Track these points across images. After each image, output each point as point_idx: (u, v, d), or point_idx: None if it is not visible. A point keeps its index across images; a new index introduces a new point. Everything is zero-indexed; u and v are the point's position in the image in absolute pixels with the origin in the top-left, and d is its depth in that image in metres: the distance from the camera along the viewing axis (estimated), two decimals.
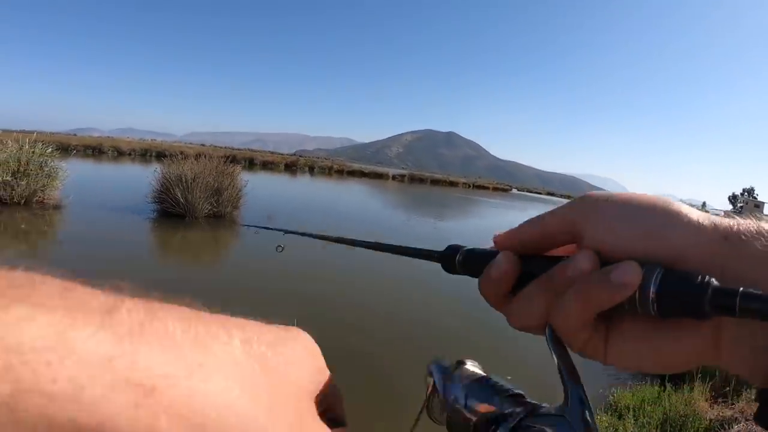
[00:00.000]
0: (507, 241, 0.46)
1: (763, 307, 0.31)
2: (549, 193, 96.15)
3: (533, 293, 0.42)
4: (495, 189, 70.77)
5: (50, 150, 12.15)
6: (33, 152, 11.48)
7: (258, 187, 16.05)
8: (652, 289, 0.35)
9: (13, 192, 11.02)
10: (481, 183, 74.89)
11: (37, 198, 11.46)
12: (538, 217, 0.45)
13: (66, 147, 24.18)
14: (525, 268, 0.43)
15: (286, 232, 1.04)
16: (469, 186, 67.30)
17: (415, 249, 0.56)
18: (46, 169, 11.82)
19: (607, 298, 0.37)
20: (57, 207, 11.69)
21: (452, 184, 65.68)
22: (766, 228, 0.36)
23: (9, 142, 11.54)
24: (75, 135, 50.41)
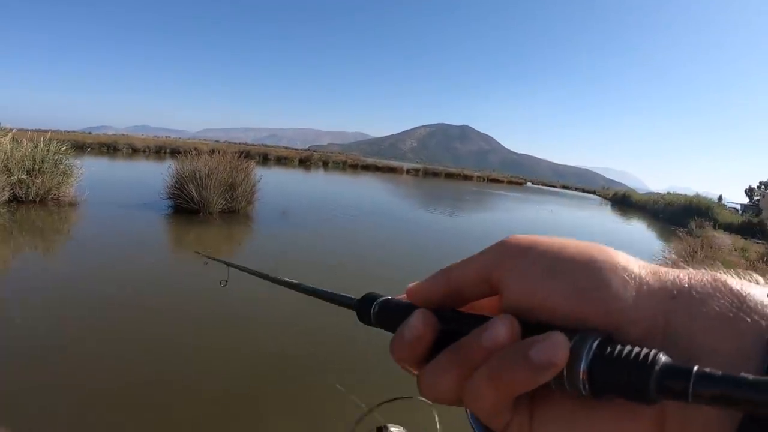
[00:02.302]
0: (421, 294, 0.40)
1: (722, 391, 0.25)
2: (564, 187, 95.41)
3: (444, 364, 0.35)
4: (510, 182, 70.23)
5: (65, 148, 12.20)
6: (48, 150, 11.53)
7: (272, 183, 16.02)
8: (582, 366, 0.29)
9: (29, 190, 11.09)
10: (496, 176, 74.49)
11: (52, 195, 11.52)
12: (450, 267, 0.40)
13: (81, 145, 24.36)
14: (445, 326, 0.38)
15: (229, 265, 1.00)
16: (484, 179, 67.07)
17: (332, 294, 0.52)
18: (61, 166, 11.89)
19: (525, 381, 0.31)
20: (72, 204, 11.74)
21: (466, 177, 65.44)
22: (723, 281, 0.31)
23: (24, 141, 11.62)
24: (89, 133, 50.42)
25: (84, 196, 12.09)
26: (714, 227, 19.94)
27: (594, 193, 77.00)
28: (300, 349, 5.07)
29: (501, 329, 0.32)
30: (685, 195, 35.88)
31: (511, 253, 0.37)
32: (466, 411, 0.37)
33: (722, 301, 0.30)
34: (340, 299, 0.50)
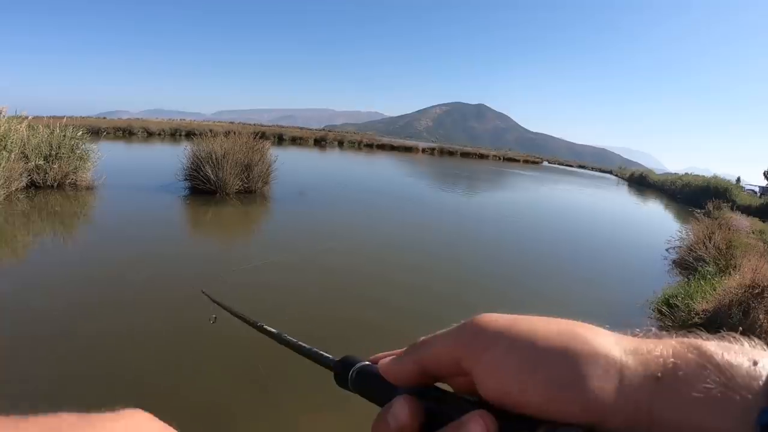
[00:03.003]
0: (394, 374, 0.40)
1: None
2: (581, 166, 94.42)
3: None
4: (526, 162, 69.60)
5: (81, 133, 12.22)
6: (64, 136, 11.56)
7: (288, 163, 15.98)
8: None
9: (46, 175, 11.16)
10: (512, 155, 73.84)
11: (69, 180, 11.58)
12: (419, 347, 0.39)
13: (96, 130, 24.39)
14: (427, 409, 0.37)
15: (214, 302, 0.95)
16: (500, 158, 66.57)
17: (311, 350, 0.53)
18: (78, 151, 11.92)
19: None
20: (90, 188, 11.80)
21: (482, 156, 65.00)
22: (709, 355, 0.30)
23: (40, 127, 11.67)
24: (104, 118, 50.66)
25: (101, 180, 12.15)
26: (732, 209, 19.68)
27: (611, 172, 76.17)
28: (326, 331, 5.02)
29: (476, 430, 0.32)
30: (703, 176, 35.51)
31: (481, 342, 0.35)
32: None
33: (708, 379, 0.29)
34: (319, 358, 0.50)
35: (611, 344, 0.32)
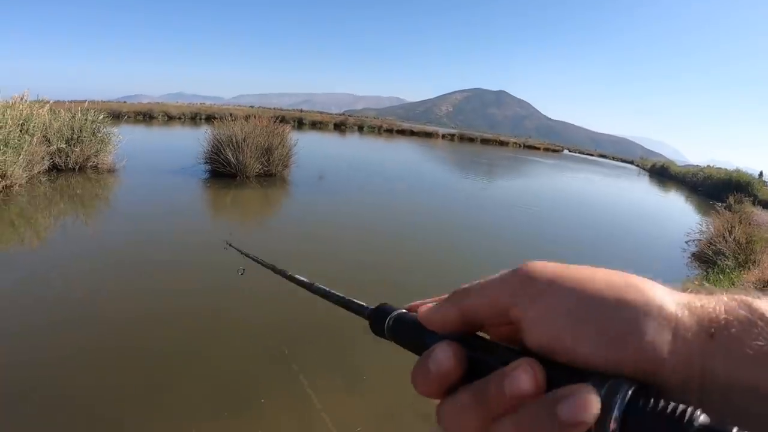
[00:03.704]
0: (434, 320, 0.38)
1: None
2: (601, 155, 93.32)
3: (465, 405, 0.33)
4: (546, 149, 68.75)
5: (102, 117, 12.27)
6: (85, 120, 11.62)
7: (308, 146, 15.96)
8: (612, 423, 0.27)
9: (68, 158, 11.23)
10: (532, 143, 72.97)
11: (91, 163, 11.65)
12: (463, 294, 0.38)
13: (117, 114, 24.57)
14: (470, 356, 0.35)
15: (244, 254, 0.93)
16: (520, 146, 65.91)
17: (344, 299, 0.51)
18: (99, 135, 11.98)
19: None
20: (111, 171, 11.87)
21: (502, 143, 64.34)
22: (760, 313, 0.29)
23: (62, 111, 11.75)
24: (125, 102, 51.05)
25: (122, 162, 12.21)
26: (753, 203, 19.38)
27: (632, 163, 75.12)
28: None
29: (524, 378, 0.30)
30: (725, 169, 34.71)
31: (530, 290, 0.34)
32: None
33: (760, 336, 0.28)
34: (353, 306, 0.49)
35: (666, 297, 0.31)
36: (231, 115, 13.91)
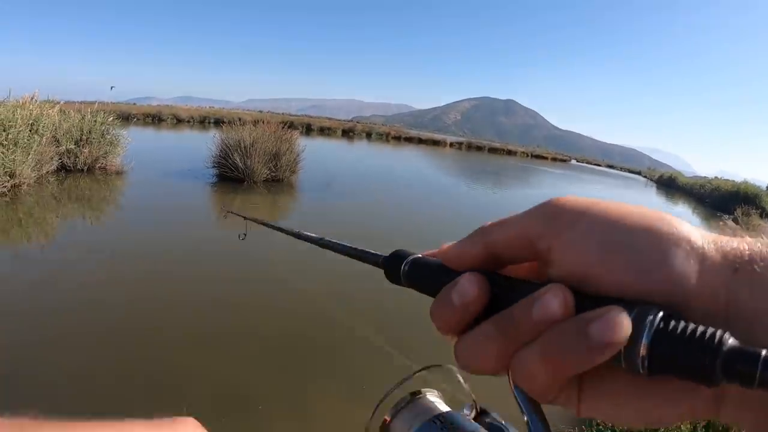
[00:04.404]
0: (458, 256, 0.37)
1: None
2: (609, 166, 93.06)
3: (489, 335, 0.32)
4: (554, 159, 68.60)
5: (111, 119, 12.33)
6: (95, 121, 11.68)
7: (316, 152, 15.98)
8: (642, 344, 0.27)
9: (77, 159, 11.29)
10: (540, 152, 72.82)
11: (99, 165, 11.68)
12: (489, 228, 0.37)
13: (126, 116, 24.63)
14: (494, 292, 0.34)
15: (247, 219, 0.98)
16: (528, 155, 65.81)
17: (357, 249, 0.51)
18: (108, 137, 12.04)
19: (582, 362, 0.28)
20: (119, 173, 11.90)
21: (510, 152, 64.30)
22: None
23: (72, 112, 11.81)
24: (135, 104, 51.36)
25: (130, 165, 12.25)
26: (761, 216, 19.25)
27: (640, 173, 74.92)
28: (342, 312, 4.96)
29: (553, 302, 0.30)
30: (733, 181, 34.53)
31: (561, 220, 0.33)
32: (509, 379, 0.33)
33: None
34: (367, 256, 0.48)
35: (693, 232, 0.31)
36: (240, 119, 13.92)
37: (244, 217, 0.93)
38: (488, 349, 0.32)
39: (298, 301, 5.28)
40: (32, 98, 10.69)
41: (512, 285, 0.34)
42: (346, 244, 0.53)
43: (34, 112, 9.99)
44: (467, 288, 0.34)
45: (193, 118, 42.65)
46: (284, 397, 3.54)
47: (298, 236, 0.65)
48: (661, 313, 0.28)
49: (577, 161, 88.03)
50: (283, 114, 54.23)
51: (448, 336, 0.36)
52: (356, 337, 4.58)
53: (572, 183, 31.45)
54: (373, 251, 0.47)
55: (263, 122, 13.52)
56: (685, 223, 0.32)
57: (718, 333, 0.26)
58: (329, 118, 72.06)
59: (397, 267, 0.42)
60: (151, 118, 38.79)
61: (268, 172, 12.63)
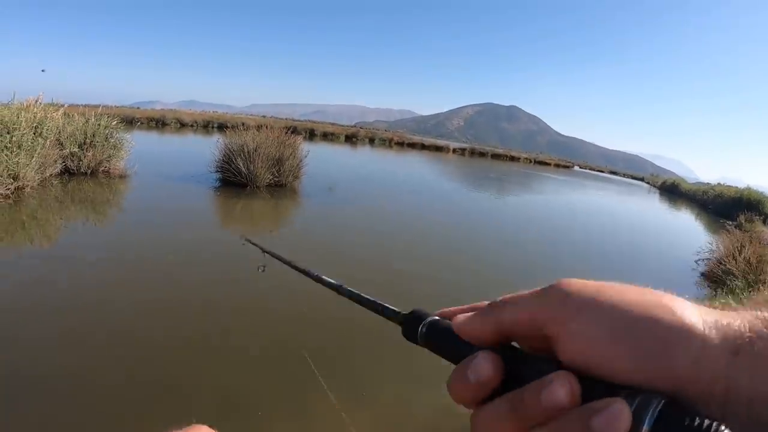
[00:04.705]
0: (470, 331, 0.40)
1: None
2: (612, 172, 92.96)
3: (501, 414, 0.35)
4: (557, 165, 68.52)
5: (115, 122, 12.38)
6: (99, 125, 11.72)
7: (319, 157, 15.99)
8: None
9: (81, 162, 11.34)
10: (543, 159, 72.79)
11: (103, 168, 11.73)
12: (500, 307, 0.40)
13: (130, 120, 24.73)
14: (507, 368, 0.37)
15: (266, 252, 0.97)
16: (531, 161, 65.81)
17: (377, 303, 0.52)
18: (112, 140, 12.10)
19: None
20: (122, 176, 11.93)
21: (513, 159, 64.32)
22: None
23: (75, 115, 11.88)
24: (138, 108, 51.57)
25: (134, 168, 12.27)
26: (764, 222, 19.24)
27: (643, 179, 74.77)
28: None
29: (560, 391, 0.32)
30: (736, 187, 34.55)
31: (567, 308, 0.36)
32: None
33: None
34: (384, 310, 0.50)
35: (695, 317, 0.33)
36: (243, 124, 13.99)
37: (262, 249, 0.95)
38: (501, 426, 0.34)
39: (301, 303, 5.28)
40: (36, 101, 10.73)
41: (525, 361, 0.37)
42: (365, 295, 0.54)
43: (38, 115, 10.02)
44: (483, 368, 0.36)
45: (196, 122, 42.72)
46: (284, 400, 3.54)
47: (317, 279, 0.66)
48: (661, 404, 0.29)
49: (581, 167, 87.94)
50: (286, 119, 54.37)
51: (462, 404, 0.38)
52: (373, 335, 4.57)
53: (575, 189, 31.40)
54: (391, 306, 0.49)
55: (267, 127, 13.55)
56: (686, 307, 0.34)
57: (714, 425, 0.27)
58: (332, 124, 72.13)
59: (414, 327, 0.44)
60: (154, 122, 38.88)
61: (271, 177, 12.65)
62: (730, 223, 18.06)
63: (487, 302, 0.42)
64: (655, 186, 57.45)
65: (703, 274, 9.85)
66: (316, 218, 10.47)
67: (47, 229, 7.38)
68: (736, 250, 9.24)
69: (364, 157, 33.91)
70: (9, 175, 8.50)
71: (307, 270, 0.71)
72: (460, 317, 0.41)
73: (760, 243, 10.05)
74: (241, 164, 12.11)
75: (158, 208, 9.44)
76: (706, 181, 52.83)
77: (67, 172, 11.15)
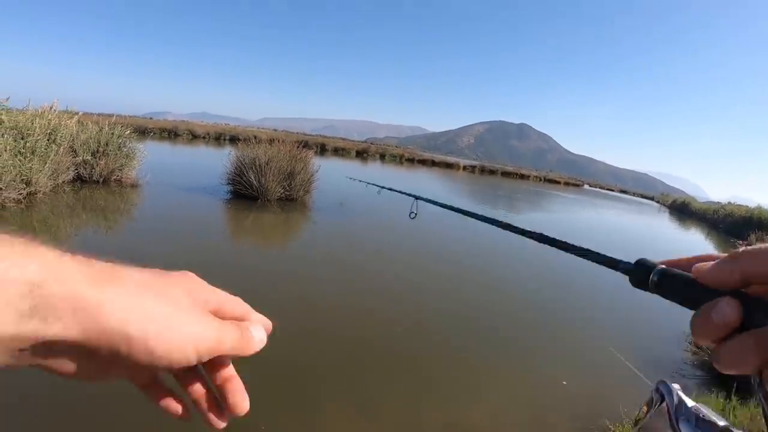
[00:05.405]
0: (712, 277, 0.43)
1: None
2: (622, 191, 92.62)
3: (749, 347, 0.38)
4: (567, 184, 68.35)
5: (128, 132, 12.45)
6: (112, 134, 11.80)
7: (330, 172, 15.97)
8: None
9: (93, 171, 11.41)
10: (553, 177, 72.62)
11: (115, 177, 11.79)
12: (743, 256, 0.42)
13: (143, 130, 24.85)
14: (745, 313, 0.40)
15: (413, 196, 1.00)
16: (541, 179, 65.68)
17: (597, 254, 0.58)
18: (125, 149, 12.17)
19: None
20: (134, 186, 11.98)
21: (523, 176, 64.21)
22: None
23: (89, 124, 11.95)
24: (151, 118, 52.08)
25: (146, 178, 12.34)
26: None
27: (652, 198, 74.49)
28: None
29: None
30: (746, 206, 34.41)
31: None
32: (752, 381, 0.40)
33: None
34: (610, 261, 0.56)
35: None
36: (255, 137, 14.00)
37: (415, 197, 0.99)
38: (748, 359, 0.38)
39: (311, 317, 5.22)
40: (51, 108, 10.78)
41: (759, 305, 0.40)
42: (582, 246, 0.60)
43: (53, 121, 10.07)
44: (727, 312, 0.39)
45: (208, 134, 43.00)
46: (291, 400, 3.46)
47: (510, 228, 0.73)
48: None
49: (590, 186, 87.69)
50: (298, 133, 54.62)
51: (702, 342, 0.42)
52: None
53: (585, 207, 31.26)
54: (617, 258, 0.55)
55: (279, 141, 13.57)
56: None
57: None
58: (344, 139, 72.41)
59: (645, 274, 0.48)
60: (167, 133, 39.14)
61: (282, 190, 12.64)
62: (741, 242, 17.91)
63: (713, 253, 0.46)
64: (665, 205, 57.21)
65: None
66: (328, 233, 10.41)
67: (57, 235, 7.36)
68: None
69: (375, 172, 33.89)
70: (22, 180, 8.53)
71: (508, 224, 0.78)
72: (701, 266, 0.44)
73: None
74: (252, 177, 12.11)
75: (169, 217, 9.39)
76: (716, 200, 52.55)
77: (79, 180, 11.22)
